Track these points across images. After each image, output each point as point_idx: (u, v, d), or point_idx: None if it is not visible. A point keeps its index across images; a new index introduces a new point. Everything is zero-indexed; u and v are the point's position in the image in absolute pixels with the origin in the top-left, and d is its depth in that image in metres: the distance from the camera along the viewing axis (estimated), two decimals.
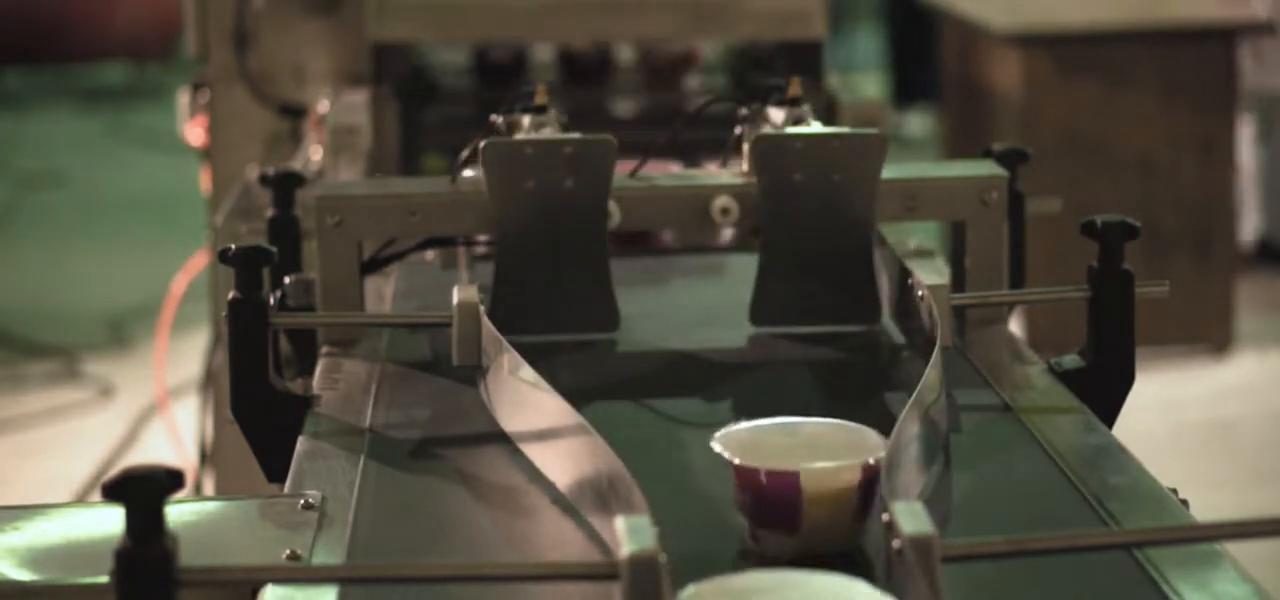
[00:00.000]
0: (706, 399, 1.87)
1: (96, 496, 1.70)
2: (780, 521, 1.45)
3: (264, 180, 2.20)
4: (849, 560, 1.42)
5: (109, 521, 1.37)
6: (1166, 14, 5.47)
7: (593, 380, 1.93)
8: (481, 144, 2.02)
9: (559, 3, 3.19)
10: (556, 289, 2.03)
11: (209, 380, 3.63)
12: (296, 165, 2.80)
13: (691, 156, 2.58)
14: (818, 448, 1.49)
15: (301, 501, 1.55)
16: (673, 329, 2.11)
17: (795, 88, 2.09)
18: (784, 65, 3.33)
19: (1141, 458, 1.64)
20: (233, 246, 1.82)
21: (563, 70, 3.61)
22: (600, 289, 2.03)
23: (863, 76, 9.06)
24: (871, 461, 1.45)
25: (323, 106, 3.01)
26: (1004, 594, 1.38)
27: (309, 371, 2.00)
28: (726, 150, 2.15)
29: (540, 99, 2.11)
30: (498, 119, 2.11)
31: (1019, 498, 1.60)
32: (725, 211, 2.05)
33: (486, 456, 1.69)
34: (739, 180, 2.07)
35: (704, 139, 2.49)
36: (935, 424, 1.65)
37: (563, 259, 2.02)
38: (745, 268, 2.29)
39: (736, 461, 1.47)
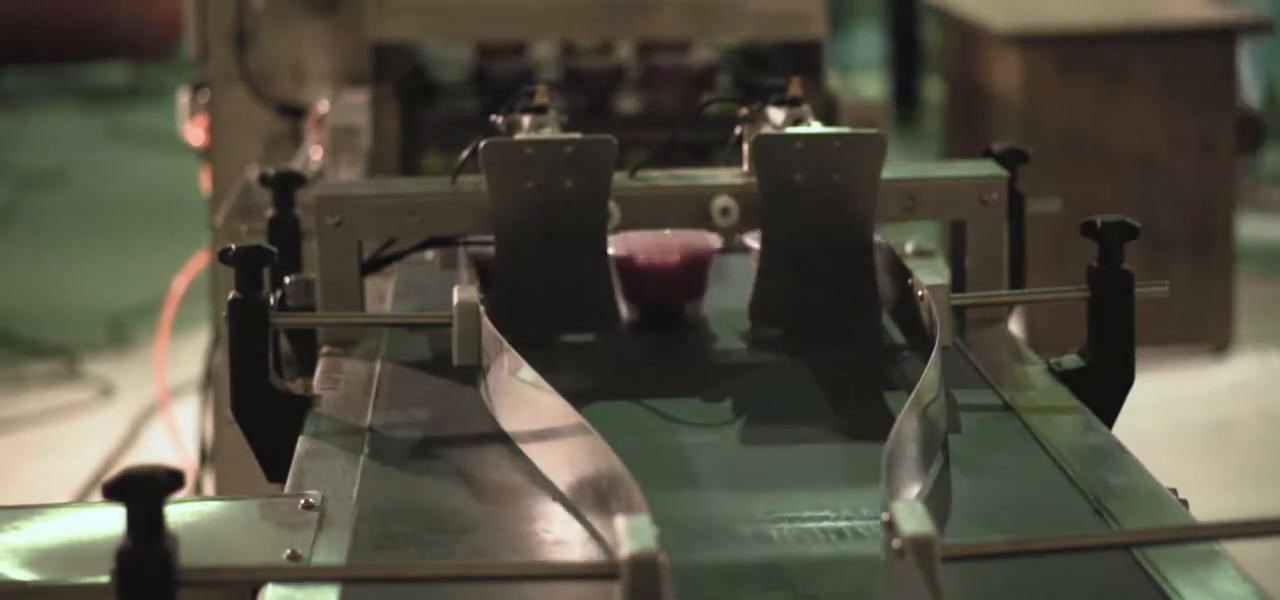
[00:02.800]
0: (706, 399, 1.87)
1: (97, 496, 1.70)
2: None
3: (264, 180, 2.20)
4: None
5: (109, 521, 1.37)
6: (1166, 14, 5.47)
7: (593, 380, 1.93)
8: (481, 144, 2.02)
9: (559, 3, 3.18)
10: (556, 289, 2.03)
11: (209, 380, 3.63)
12: (296, 165, 2.80)
13: (705, 158, 2.58)
14: None
15: (301, 501, 1.55)
16: (673, 329, 2.11)
17: (795, 88, 2.09)
18: (784, 65, 3.33)
19: (1141, 458, 1.64)
20: (233, 246, 1.82)
21: (569, 84, 3.61)
22: (601, 289, 2.03)
23: (863, 76, 9.07)
24: None
25: (323, 106, 3.01)
26: (1004, 594, 1.38)
27: (309, 371, 2.00)
28: (727, 150, 2.15)
29: (540, 99, 2.11)
30: (498, 119, 2.11)
31: (1019, 498, 1.60)
32: (725, 211, 2.05)
33: (486, 456, 1.69)
34: (739, 180, 2.07)
35: (716, 139, 2.49)
36: (934, 423, 1.65)
37: (563, 259, 2.02)
38: (745, 267, 2.29)
39: None
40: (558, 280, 2.02)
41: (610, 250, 2.04)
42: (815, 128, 2.07)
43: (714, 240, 2.12)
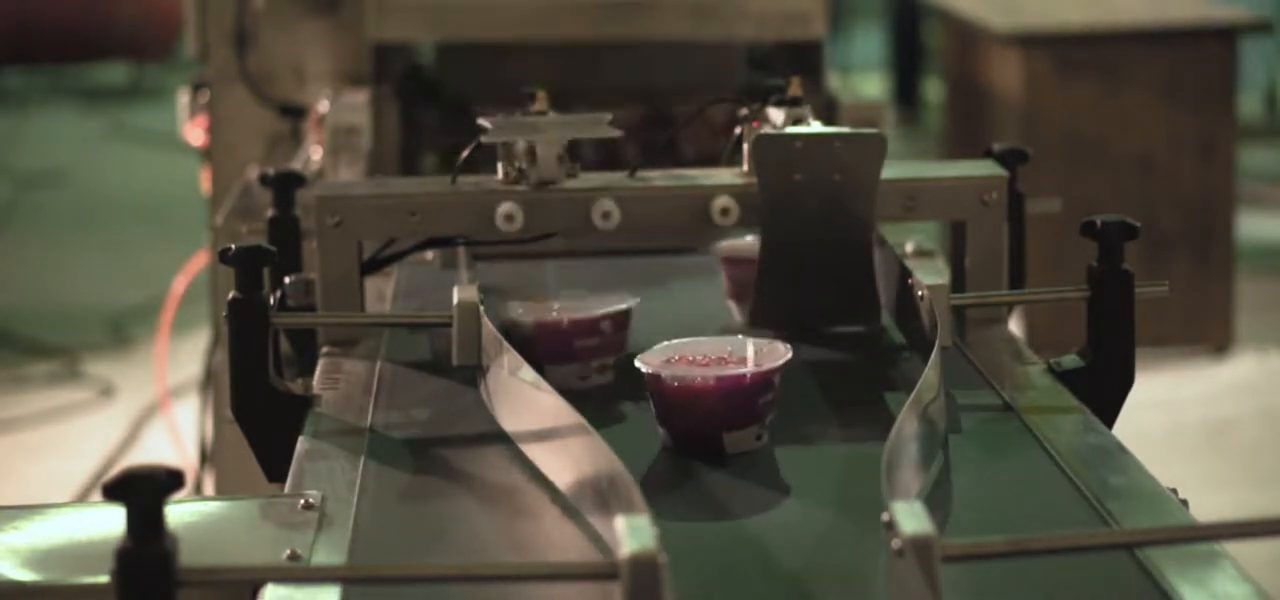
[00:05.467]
0: None
1: (97, 496, 1.70)
2: None
3: (264, 180, 2.20)
4: None
5: (109, 521, 1.37)
6: (1166, 14, 5.47)
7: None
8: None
9: (559, 2, 3.18)
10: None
11: (209, 380, 3.63)
12: (296, 165, 2.80)
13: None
14: None
15: (301, 501, 1.55)
16: (673, 329, 2.11)
17: (795, 88, 2.09)
18: (784, 65, 3.33)
19: (1141, 458, 1.64)
20: (233, 246, 1.82)
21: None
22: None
23: (863, 76, 9.07)
24: None
25: (323, 106, 3.01)
26: (1004, 594, 1.38)
27: (309, 371, 2.00)
28: (726, 150, 2.15)
29: (539, 106, 2.11)
30: (486, 123, 2.11)
31: (1019, 498, 1.60)
32: (725, 212, 2.05)
33: (486, 456, 1.69)
34: (739, 180, 2.07)
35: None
36: (934, 423, 1.65)
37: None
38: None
39: None
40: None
41: (649, 364, 1.72)
42: (816, 127, 2.07)
43: (778, 357, 1.73)
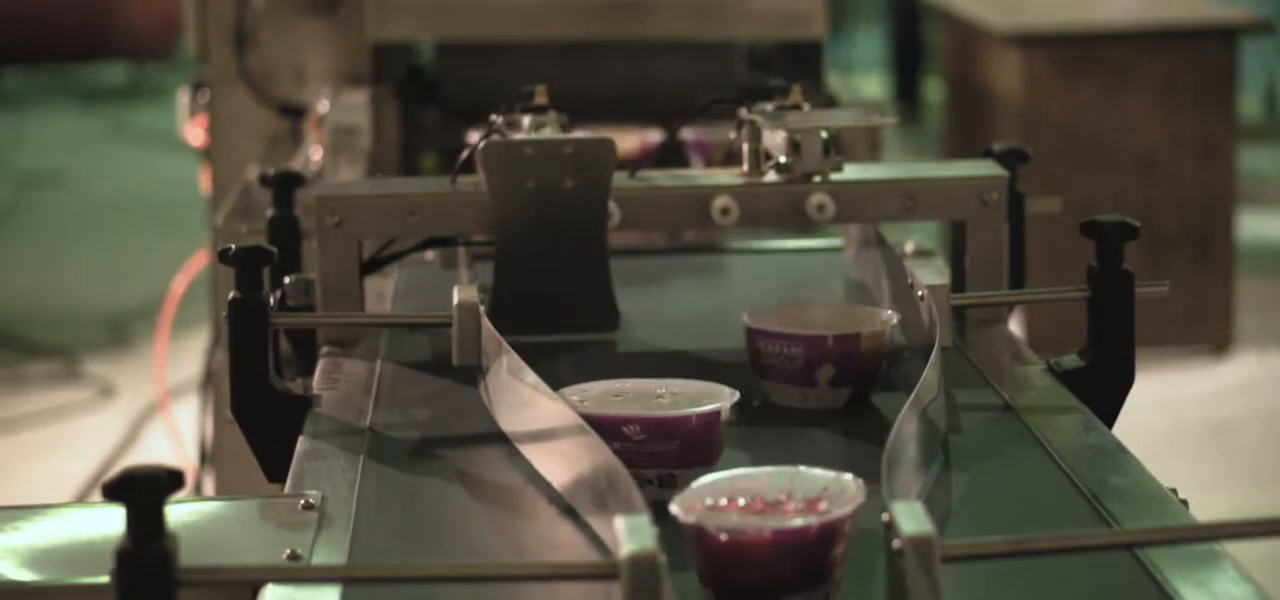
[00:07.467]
0: None
1: (97, 496, 1.70)
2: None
3: (264, 180, 2.20)
4: None
5: (109, 521, 1.37)
6: (1166, 14, 5.47)
7: (593, 380, 1.93)
8: (481, 145, 2.02)
9: (559, 2, 3.18)
10: (556, 289, 2.03)
11: (209, 380, 3.63)
12: (296, 165, 2.80)
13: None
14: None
15: (301, 501, 1.55)
16: (673, 329, 2.11)
17: (796, 96, 2.08)
18: (784, 65, 3.33)
19: (1141, 458, 1.64)
20: (233, 246, 1.82)
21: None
22: (600, 289, 2.03)
23: (863, 76, 9.08)
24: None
25: (323, 106, 3.01)
26: (1004, 594, 1.38)
27: (309, 371, 2.00)
28: (725, 151, 2.15)
29: (540, 99, 2.11)
30: (497, 119, 2.11)
31: (1019, 498, 1.60)
32: (725, 212, 2.05)
33: (486, 456, 1.69)
34: (739, 180, 2.07)
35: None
36: (934, 424, 1.65)
37: (562, 259, 2.02)
38: (746, 267, 2.29)
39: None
40: (557, 280, 2.02)
41: (689, 511, 1.34)
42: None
43: (847, 499, 1.36)
